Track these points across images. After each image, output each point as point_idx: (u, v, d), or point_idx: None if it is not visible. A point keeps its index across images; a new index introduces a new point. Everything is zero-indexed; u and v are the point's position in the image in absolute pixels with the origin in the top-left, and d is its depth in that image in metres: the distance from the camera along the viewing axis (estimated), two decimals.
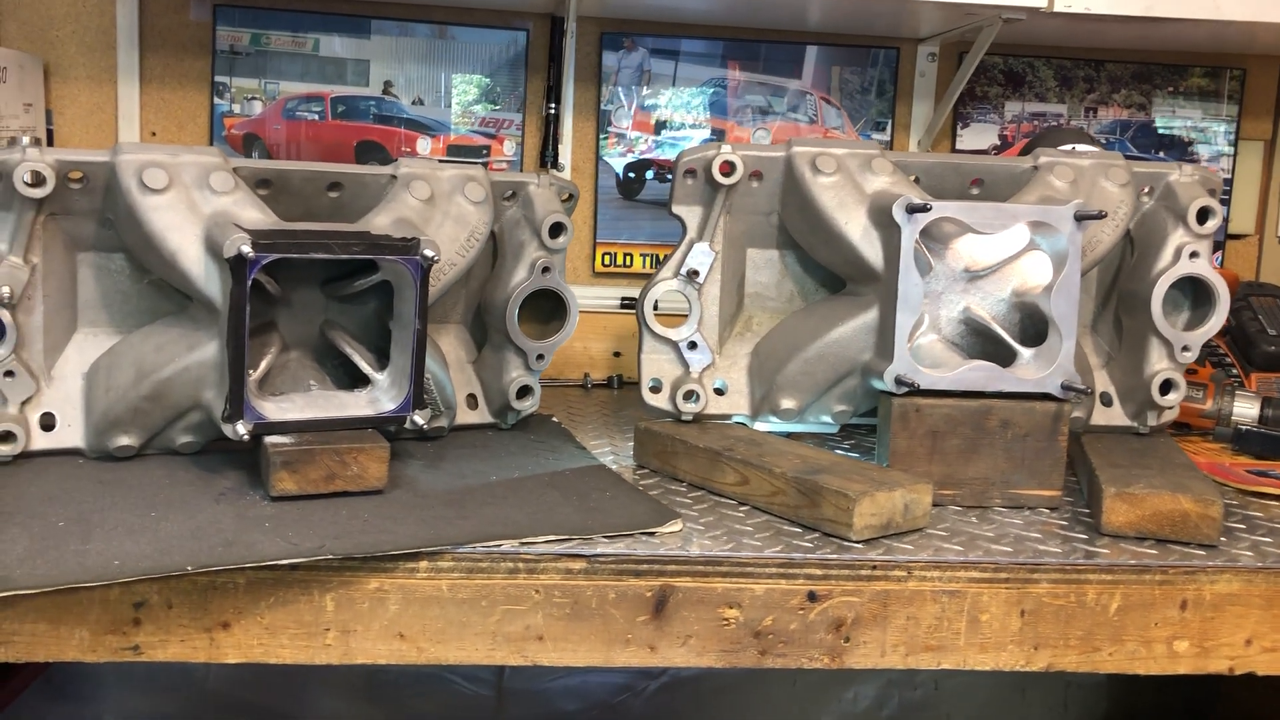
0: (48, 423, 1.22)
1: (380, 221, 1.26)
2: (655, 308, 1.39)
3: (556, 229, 1.39)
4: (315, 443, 1.14)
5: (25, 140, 1.17)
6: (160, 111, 1.78)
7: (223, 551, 0.98)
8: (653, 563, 1.05)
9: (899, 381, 1.23)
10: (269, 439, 1.14)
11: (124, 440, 1.21)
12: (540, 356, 1.41)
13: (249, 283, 1.12)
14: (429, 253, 1.19)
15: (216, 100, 1.77)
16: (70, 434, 1.23)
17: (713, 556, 1.05)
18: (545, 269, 1.38)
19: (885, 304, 1.27)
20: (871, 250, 1.29)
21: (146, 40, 1.76)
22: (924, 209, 1.21)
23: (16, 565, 0.94)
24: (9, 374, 1.19)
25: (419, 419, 1.22)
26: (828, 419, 1.37)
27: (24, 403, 1.21)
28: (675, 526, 1.11)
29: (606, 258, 1.87)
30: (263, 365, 1.24)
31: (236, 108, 1.78)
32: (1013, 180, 1.38)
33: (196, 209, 1.18)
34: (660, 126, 1.87)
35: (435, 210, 1.31)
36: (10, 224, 1.17)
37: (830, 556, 1.07)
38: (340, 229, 1.22)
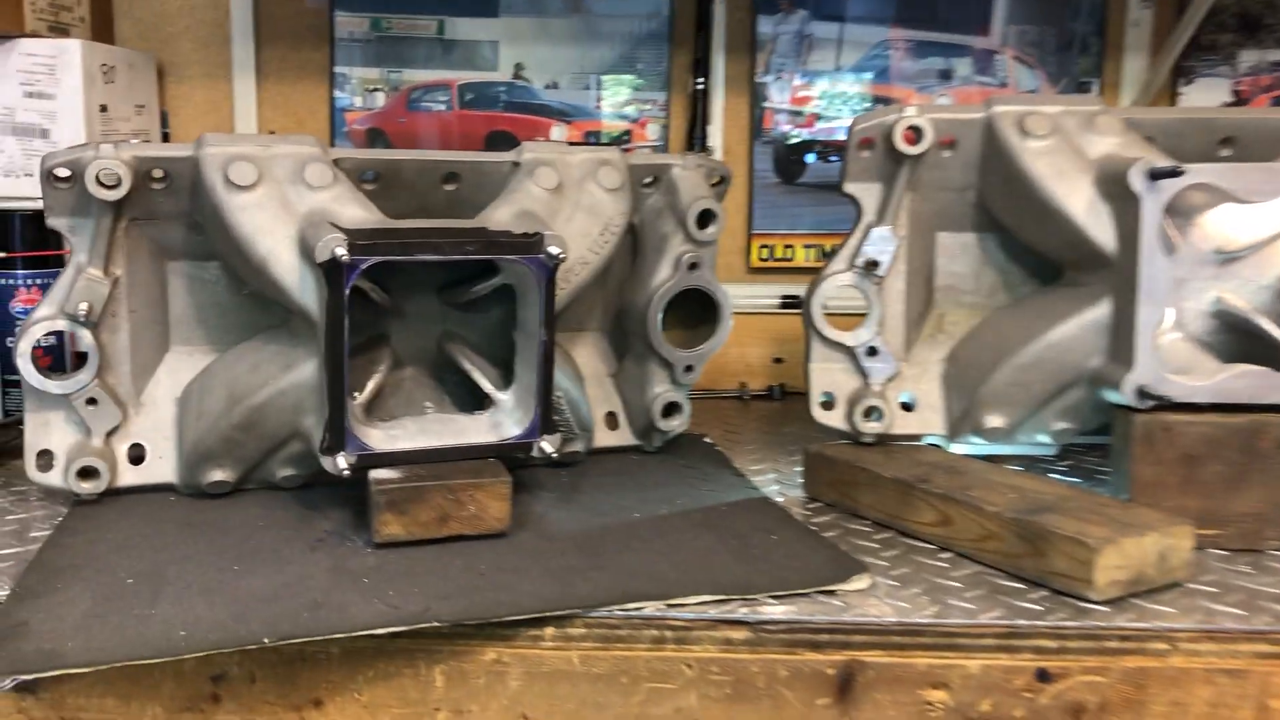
0: (137, 455, 1.08)
1: (500, 216, 1.08)
2: (825, 307, 1.16)
3: (705, 217, 1.18)
4: (426, 478, 0.96)
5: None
6: (279, 108, 1.65)
7: (308, 617, 0.81)
8: (835, 631, 0.83)
9: (1143, 394, 0.97)
10: (374, 474, 0.97)
11: (217, 475, 1.06)
12: (689, 368, 1.20)
13: (347, 291, 0.96)
14: (554, 250, 1.00)
15: (337, 94, 1.63)
16: (162, 467, 1.08)
17: (912, 624, 0.83)
18: (693, 265, 1.17)
19: (1120, 296, 1.02)
20: (1099, 228, 1.04)
21: (262, 32, 1.63)
22: (1173, 173, 0.96)
23: (70, 634, 0.78)
24: (92, 402, 1.05)
25: (547, 446, 1.03)
26: (1045, 439, 1.12)
27: (110, 433, 1.07)
28: (862, 583, 0.89)
29: (764, 251, 1.65)
30: (370, 386, 1.07)
31: (358, 101, 1.64)
32: (1276, 138, 1.10)
33: (290, 207, 1.02)
34: (824, 99, 1.63)
35: (564, 200, 1.12)
36: (89, 232, 1.03)
37: (1066, 624, 0.83)
38: (452, 225, 1.04)
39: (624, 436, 1.24)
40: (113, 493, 1.07)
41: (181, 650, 0.77)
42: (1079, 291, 1.07)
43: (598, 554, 0.93)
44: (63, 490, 1.05)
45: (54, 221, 1.03)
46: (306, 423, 1.04)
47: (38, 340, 1.03)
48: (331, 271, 0.95)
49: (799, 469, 1.17)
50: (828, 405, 1.17)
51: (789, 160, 1.64)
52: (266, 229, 1.00)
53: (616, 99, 1.64)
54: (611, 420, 1.24)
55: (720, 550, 0.95)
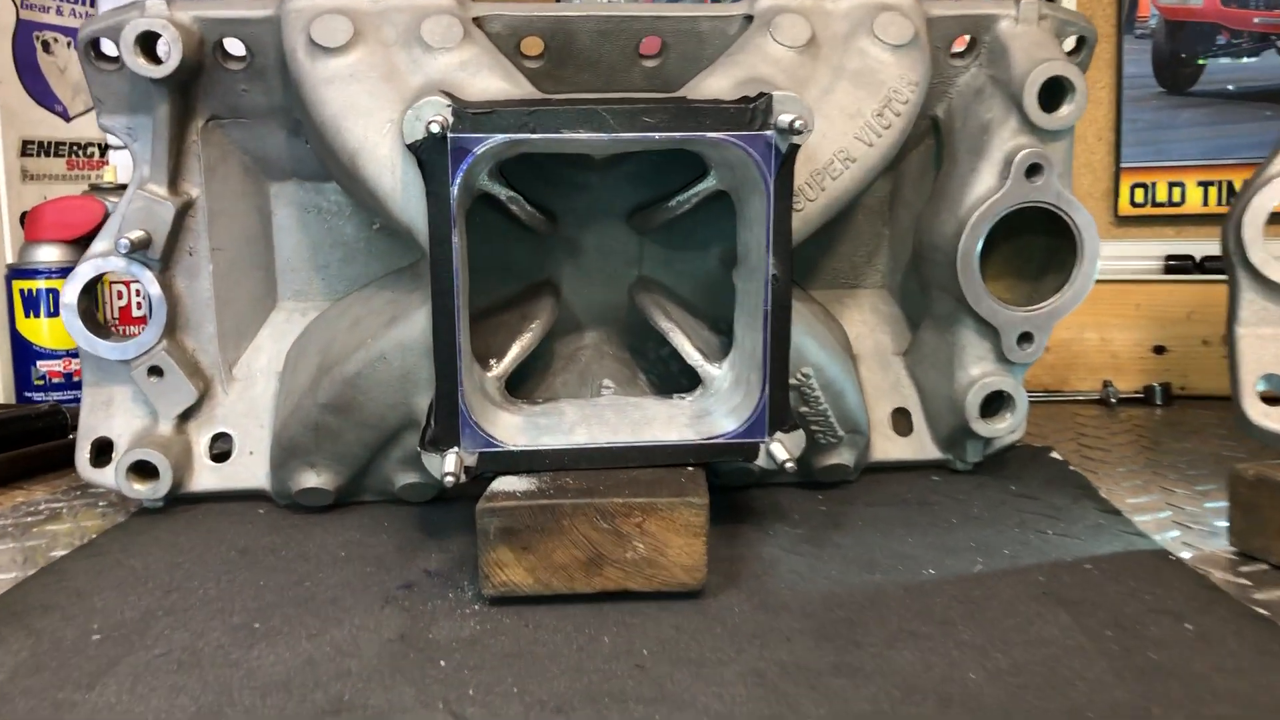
0: (222, 449, 0.78)
1: (714, 85, 0.69)
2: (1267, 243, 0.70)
3: (1055, 90, 0.73)
4: (570, 493, 0.58)
5: None
6: None
7: None
8: None
9: None
10: (494, 485, 0.61)
11: (309, 480, 0.73)
12: (1026, 337, 0.76)
13: (454, 189, 0.60)
14: (789, 117, 0.60)
15: None
16: (251, 467, 0.77)
17: None
18: (1033, 169, 0.73)
19: None
20: None
21: None
22: None
23: None
24: (156, 372, 0.76)
25: (780, 450, 0.63)
26: None
27: (184, 416, 0.77)
28: None
29: (1138, 193, 1.17)
30: (513, 351, 0.71)
31: None
32: None
33: (398, 78, 0.68)
34: None
35: (818, 63, 0.71)
36: (148, 132, 0.74)
37: None
38: (625, 96, 0.66)
39: (920, 446, 0.81)
40: (187, 499, 0.77)
41: None
42: None
43: (852, 644, 0.52)
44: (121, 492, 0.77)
45: (107, 122, 0.75)
46: (419, 403, 0.69)
47: (85, 285, 0.75)
48: (429, 156, 0.60)
49: (1212, 507, 0.70)
50: (1274, 399, 0.69)
51: (1177, 60, 1.14)
52: (360, 108, 0.67)
53: None
54: (901, 421, 0.82)
55: (1085, 649, 0.51)
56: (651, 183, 0.73)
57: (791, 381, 0.71)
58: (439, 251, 0.61)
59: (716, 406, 0.67)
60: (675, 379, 0.77)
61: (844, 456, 0.76)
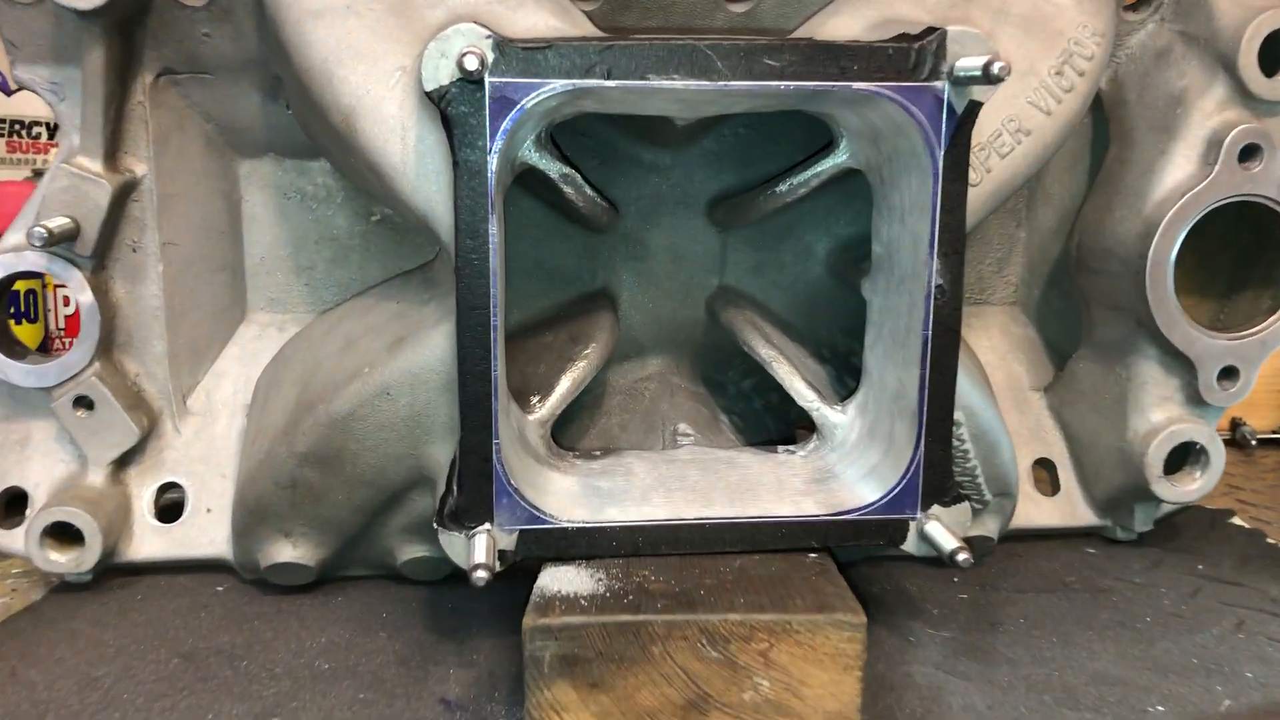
0: (172, 503, 0.60)
1: (839, 26, 0.51)
2: None
3: (1275, 49, 0.55)
4: (657, 601, 0.40)
5: None
6: None
7: None
8: None
9: None
10: (542, 582, 0.43)
11: (283, 552, 0.55)
12: (1230, 372, 0.58)
13: (492, 160, 0.42)
14: (972, 60, 0.42)
15: None
16: (208, 529, 0.59)
17: None
18: (1249, 151, 0.55)
19: None
20: None
21: None
22: None
23: None
24: (82, 403, 0.58)
25: (941, 535, 0.45)
26: None
27: (119, 462, 0.59)
28: None
29: None
30: (562, 386, 0.53)
31: None
32: None
33: (411, 12, 0.50)
34: None
35: (973, 4, 0.53)
36: (78, 89, 0.56)
37: None
38: (732, 38, 0.49)
39: (1070, 509, 0.63)
40: (123, 570, 0.59)
41: None
42: None
43: None
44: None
45: (24, 74, 0.57)
46: (433, 455, 0.51)
47: None
48: (458, 110, 0.42)
49: None
50: None
51: None
52: (359, 50, 0.49)
53: None
54: (1045, 476, 0.64)
55: None
56: (740, 164, 0.56)
57: None
58: (469, 247, 0.43)
59: (844, 466, 0.49)
60: (759, 418, 0.59)
61: (987, 526, 0.58)
